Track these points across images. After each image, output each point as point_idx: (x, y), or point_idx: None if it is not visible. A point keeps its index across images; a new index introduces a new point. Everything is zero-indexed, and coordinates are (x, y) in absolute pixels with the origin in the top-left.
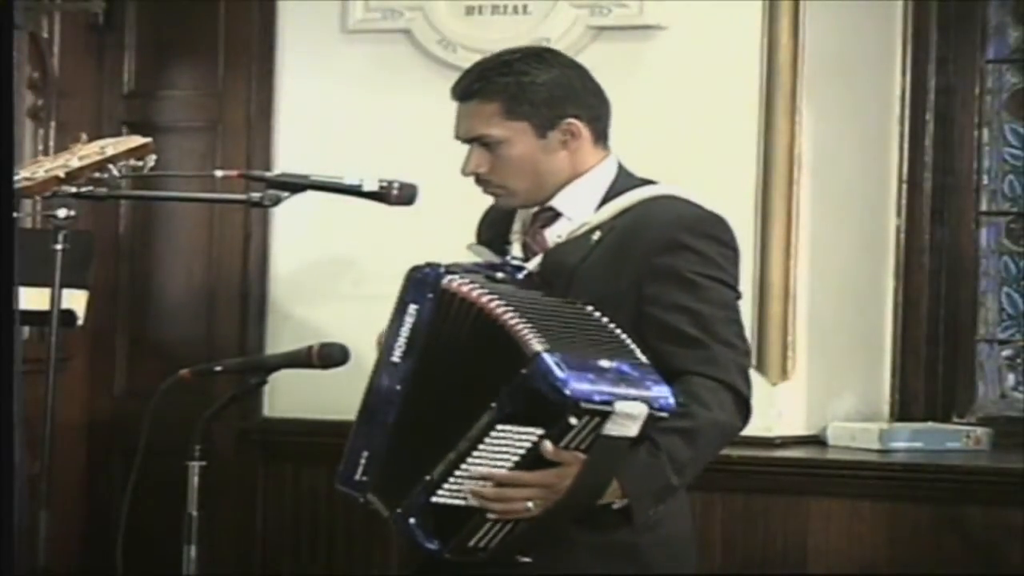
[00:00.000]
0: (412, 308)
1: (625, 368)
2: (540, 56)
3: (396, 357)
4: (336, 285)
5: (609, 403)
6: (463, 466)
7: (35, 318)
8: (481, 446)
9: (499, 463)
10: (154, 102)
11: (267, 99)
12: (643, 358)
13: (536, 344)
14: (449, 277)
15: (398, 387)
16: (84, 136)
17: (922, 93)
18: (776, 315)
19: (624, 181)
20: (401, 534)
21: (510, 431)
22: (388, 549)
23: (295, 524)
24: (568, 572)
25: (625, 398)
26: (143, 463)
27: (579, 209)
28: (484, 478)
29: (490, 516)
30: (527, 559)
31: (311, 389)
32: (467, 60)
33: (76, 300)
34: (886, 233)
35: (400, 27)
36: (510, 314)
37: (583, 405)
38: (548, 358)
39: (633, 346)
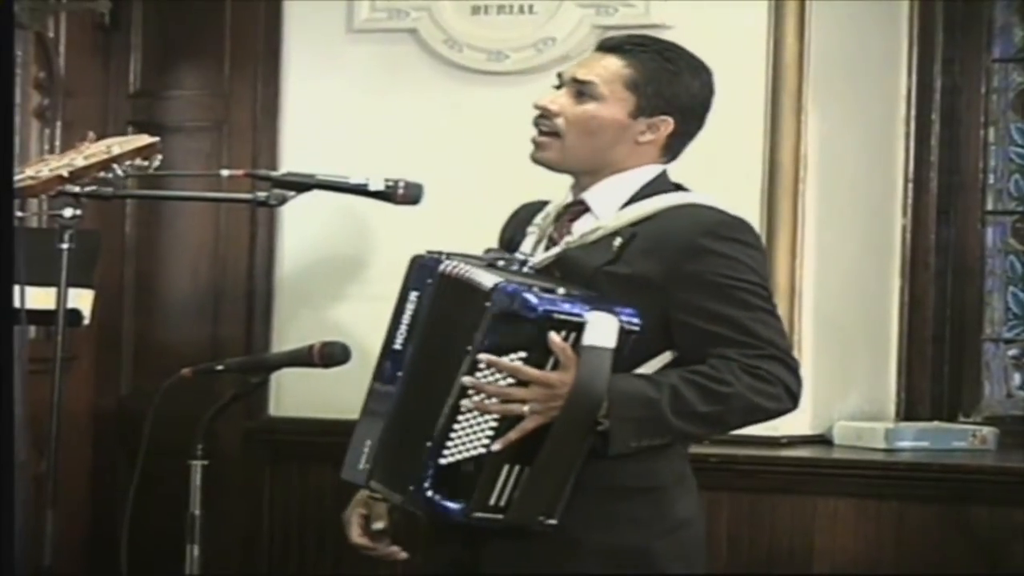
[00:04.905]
0: (413, 295)
1: (586, 294)
2: (695, 61)
3: (398, 344)
4: (342, 284)
5: (578, 314)
6: (459, 417)
7: (41, 317)
8: (471, 391)
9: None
10: (160, 102)
11: (273, 99)
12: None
13: (493, 278)
14: (447, 263)
15: (399, 373)
16: (92, 135)
17: (928, 93)
18: (782, 314)
19: (655, 186)
20: (421, 509)
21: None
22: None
23: (301, 523)
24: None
25: (592, 312)
26: (149, 463)
27: (607, 207)
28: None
29: (495, 447)
30: (552, 521)
31: (317, 388)
32: (473, 60)
33: (82, 299)
34: (892, 232)
35: (406, 27)
36: (479, 272)
37: (555, 316)
38: (508, 286)
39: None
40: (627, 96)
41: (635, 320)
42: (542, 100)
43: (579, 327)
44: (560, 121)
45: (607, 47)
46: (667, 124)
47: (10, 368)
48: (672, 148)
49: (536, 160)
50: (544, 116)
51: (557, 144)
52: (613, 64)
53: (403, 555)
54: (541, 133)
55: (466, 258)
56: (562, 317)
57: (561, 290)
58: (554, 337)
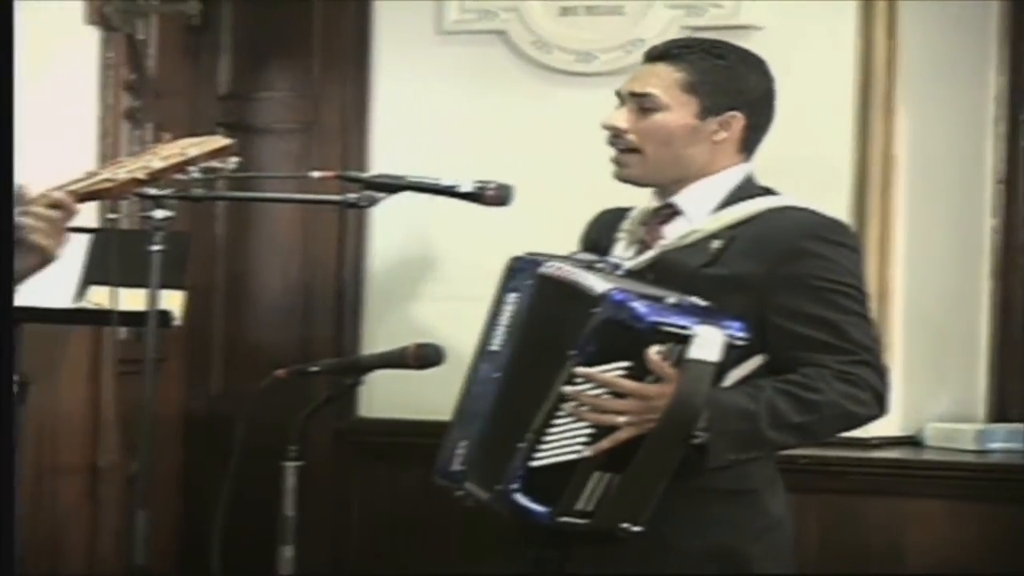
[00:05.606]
0: (512, 297)
1: (694, 303)
2: (745, 53)
3: (495, 346)
4: (431, 285)
5: (686, 327)
6: (554, 422)
7: (132, 319)
8: (568, 397)
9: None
10: (250, 103)
11: (362, 100)
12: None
13: (603, 284)
14: (549, 264)
15: (496, 374)
16: (167, 136)
17: (1018, 93)
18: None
19: (745, 188)
20: (507, 509)
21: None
22: (484, 549)
23: (390, 524)
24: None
25: (700, 324)
26: (239, 463)
27: (699, 210)
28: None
29: (586, 454)
30: (637, 528)
31: (406, 389)
32: (562, 61)
33: (173, 301)
34: (982, 234)
35: (495, 28)
36: (586, 276)
37: (662, 328)
38: (618, 293)
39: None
40: (688, 100)
41: (741, 334)
42: (609, 120)
43: (685, 339)
44: (632, 137)
45: (654, 56)
46: (737, 119)
47: (10, 368)
48: (748, 144)
49: (621, 179)
50: (616, 136)
51: (638, 159)
52: (664, 71)
53: None
54: (619, 151)
55: (565, 259)
56: (669, 329)
57: (671, 299)
58: (652, 354)
